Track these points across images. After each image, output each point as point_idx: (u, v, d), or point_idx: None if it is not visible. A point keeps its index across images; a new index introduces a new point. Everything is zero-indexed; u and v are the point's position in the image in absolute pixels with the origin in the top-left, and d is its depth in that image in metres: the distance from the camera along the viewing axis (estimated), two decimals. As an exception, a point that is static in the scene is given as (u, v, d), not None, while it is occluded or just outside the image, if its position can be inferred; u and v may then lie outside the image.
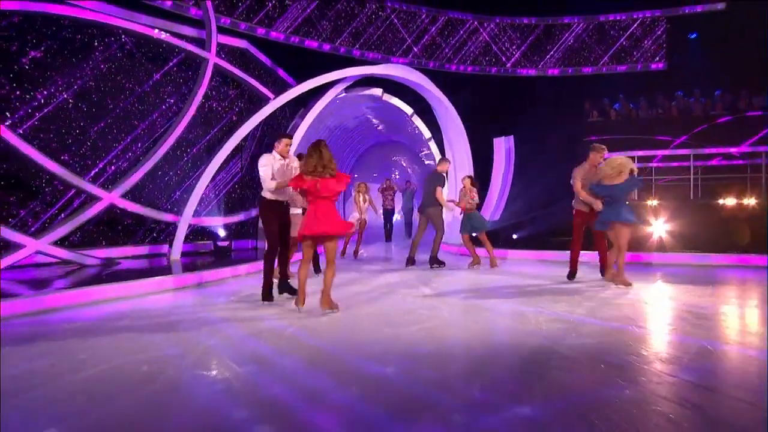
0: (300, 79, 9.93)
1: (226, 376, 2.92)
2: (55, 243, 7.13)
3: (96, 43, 8.33)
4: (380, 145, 16.67)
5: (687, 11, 13.01)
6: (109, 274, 6.61)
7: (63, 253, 7.16)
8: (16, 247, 6.70)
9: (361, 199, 9.18)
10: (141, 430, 2.27)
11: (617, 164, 5.70)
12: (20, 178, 7.50)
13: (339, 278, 5.29)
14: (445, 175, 8.01)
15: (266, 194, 5.07)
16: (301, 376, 2.96)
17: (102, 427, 2.31)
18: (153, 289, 5.77)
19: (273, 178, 5.00)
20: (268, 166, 5.02)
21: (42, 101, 7.65)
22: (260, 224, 7.34)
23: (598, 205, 5.90)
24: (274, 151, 5.15)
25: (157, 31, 8.75)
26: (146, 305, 5.08)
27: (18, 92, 7.43)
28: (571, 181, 6.25)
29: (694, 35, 14.11)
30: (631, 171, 5.69)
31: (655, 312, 4.84)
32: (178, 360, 3.22)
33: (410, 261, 7.71)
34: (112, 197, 7.84)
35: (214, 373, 2.99)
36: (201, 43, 9.20)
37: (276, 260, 5.12)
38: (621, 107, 13.96)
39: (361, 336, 3.87)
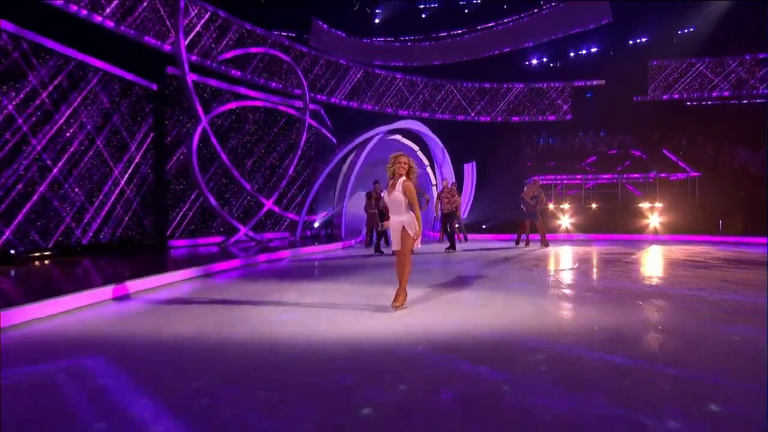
0: (341, 129, 16.15)
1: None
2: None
3: (250, 115, 14.27)
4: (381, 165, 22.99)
5: (583, 84, 20.37)
6: (303, 240, 12.68)
7: (254, 234, 13.13)
8: (233, 230, 12.64)
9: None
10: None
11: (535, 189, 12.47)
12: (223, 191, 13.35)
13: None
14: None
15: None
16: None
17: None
18: (332, 247, 11.93)
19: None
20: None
21: (234, 149, 13.53)
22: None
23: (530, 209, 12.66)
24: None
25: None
26: (335, 254, 11.27)
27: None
28: (522, 196, 12.93)
29: (590, 95, 21.55)
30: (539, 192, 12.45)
31: (559, 253, 11.61)
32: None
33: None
34: (269, 203, 13.84)
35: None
36: (298, 110, 15.28)
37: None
38: (543, 142, 21.22)
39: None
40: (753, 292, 6.11)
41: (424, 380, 3.10)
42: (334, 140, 16.36)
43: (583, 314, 4.97)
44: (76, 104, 10.04)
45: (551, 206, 16.72)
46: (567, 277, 7.70)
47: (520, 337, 4.13)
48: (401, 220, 5.18)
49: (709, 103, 19.38)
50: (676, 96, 19.55)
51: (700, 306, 5.32)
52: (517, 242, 13.06)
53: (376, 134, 15.84)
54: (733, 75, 19.06)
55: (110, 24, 10.58)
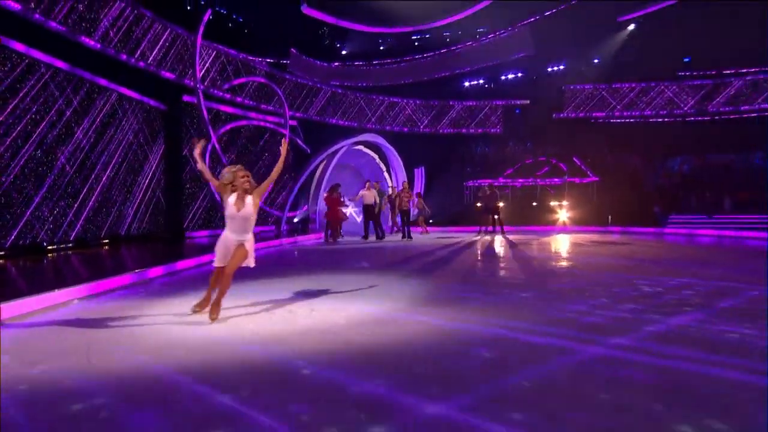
0: (313, 141, 19.62)
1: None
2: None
3: (242, 131, 17.51)
4: (353, 173, 26.52)
5: (511, 102, 24.69)
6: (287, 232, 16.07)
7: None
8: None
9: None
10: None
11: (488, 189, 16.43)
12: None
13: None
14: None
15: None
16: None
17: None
18: (307, 238, 15.40)
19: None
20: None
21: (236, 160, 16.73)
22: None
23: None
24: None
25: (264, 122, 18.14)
26: (306, 243, 14.80)
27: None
28: (479, 194, 16.78)
29: (518, 111, 25.91)
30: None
31: (512, 240, 15.59)
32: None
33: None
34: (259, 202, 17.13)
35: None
36: (280, 125, 18.63)
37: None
38: (480, 151, 25.45)
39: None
40: (590, 252, 10.19)
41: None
42: (308, 150, 19.80)
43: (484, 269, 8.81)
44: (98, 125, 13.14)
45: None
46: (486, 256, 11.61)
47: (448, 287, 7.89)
48: (245, 239, 5.02)
49: (610, 121, 24.09)
50: (583, 114, 24.17)
51: (547, 255, 9.29)
52: (479, 233, 17.01)
53: (342, 146, 19.42)
54: (626, 98, 23.84)
55: (142, 64, 13.68)
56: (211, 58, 16.07)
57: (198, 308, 5.12)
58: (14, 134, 10.20)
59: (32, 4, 10.14)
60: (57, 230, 11.42)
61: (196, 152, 5.19)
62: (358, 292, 6.52)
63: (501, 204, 17.35)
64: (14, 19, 9.96)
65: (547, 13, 22.34)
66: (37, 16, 10.35)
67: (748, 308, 5.43)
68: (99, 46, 11.97)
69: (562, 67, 24.99)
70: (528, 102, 24.69)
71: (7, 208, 10.07)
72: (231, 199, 5.00)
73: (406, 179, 21.59)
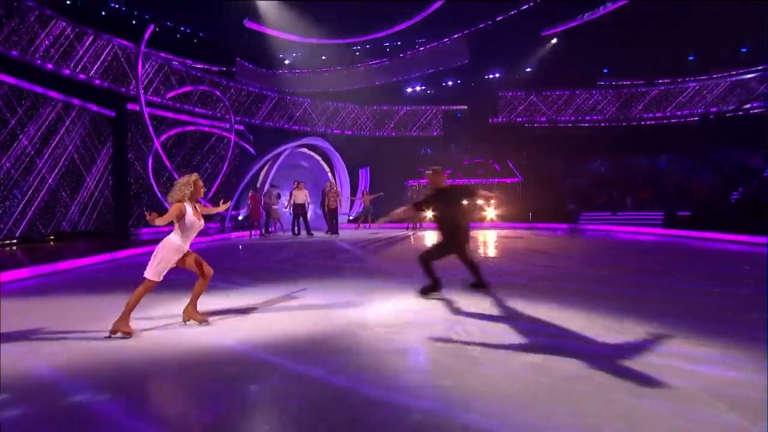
0: (260, 143, 21.09)
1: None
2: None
3: (189, 135, 18.87)
4: (306, 173, 28.02)
5: (451, 107, 26.50)
6: (229, 229, 17.50)
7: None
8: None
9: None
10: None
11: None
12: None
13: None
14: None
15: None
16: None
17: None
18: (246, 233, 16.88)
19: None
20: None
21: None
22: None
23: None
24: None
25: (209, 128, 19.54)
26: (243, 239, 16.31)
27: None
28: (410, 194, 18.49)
29: (459, 114, 27.71)
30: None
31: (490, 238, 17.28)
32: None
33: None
34: (204, 201, 18.56)
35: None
36: (225, 130, 20.04)
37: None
38: (423, 152, 27.21)
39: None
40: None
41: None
42: (254, 152, 21.26)
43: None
44: (62, 132, 14.45)
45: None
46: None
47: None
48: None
49: (536, 125, 26.04)
50: (516, 119, 26.08)
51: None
52: (408, 228, 18.69)
53: (286, 149, 20.92)
54: (555, 105, 25.82)
55: (83, 77, 14.99)
56: (154, 69, 17.42)
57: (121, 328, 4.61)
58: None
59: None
60: (3, 227, 12.73)
61: (156, 221, 4.64)
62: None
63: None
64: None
65: (481, 25, 24.09)
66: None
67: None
68: (43, 63, 13.29)
69: (497, 75, 26.81)
70: (466, 107, 26.49)
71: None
72: (190, 211, 4.90)
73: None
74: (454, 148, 27.31)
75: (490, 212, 22.53)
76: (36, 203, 13.76)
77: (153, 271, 4.69)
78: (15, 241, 13.03)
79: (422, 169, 25.81)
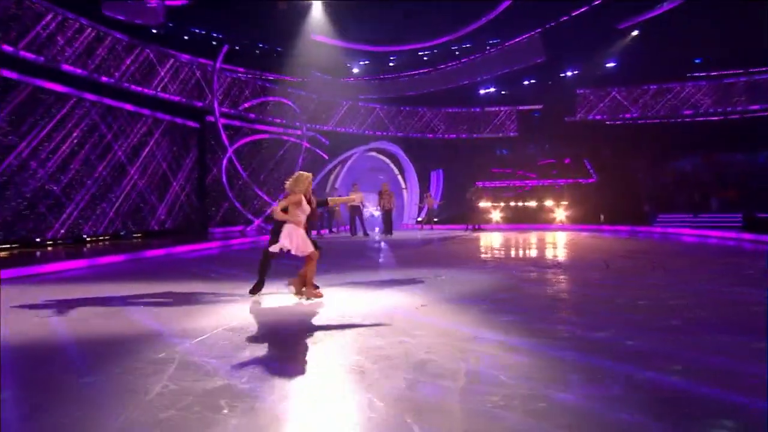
0: (332, 148, 22.23)
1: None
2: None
3: (264, 143, 20.57)
4: (374, 173, 29.08)
5: (526, 107, 25.95)
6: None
7: (264, 225, 19.41)
8: (248, 221, 18.92)
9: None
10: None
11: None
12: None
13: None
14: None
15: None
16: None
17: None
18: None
19: None
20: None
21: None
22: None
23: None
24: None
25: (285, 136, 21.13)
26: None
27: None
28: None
29: (537, 113, 27.02)
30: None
31: (507, 236, 17.43)
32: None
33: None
34: (275, 204, 20.11)
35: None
36: (297, 137, 21.48)
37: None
38: (499, 153, 26.91)
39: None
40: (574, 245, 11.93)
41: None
42: (326, 157, 22.54)
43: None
44: (151, 142, 16.60)
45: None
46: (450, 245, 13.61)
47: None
48: None
49: (621, 122, 24.60)
50: (598, 117, 24.87)
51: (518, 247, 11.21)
52: (467, 229, 18.98)
53: (354, 153, 21.97)
54: (640, 100, 24.26)
55: (165, 95, 17.07)
56: (230, 82, 19.27)
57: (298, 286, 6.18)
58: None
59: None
60: (99, 226, 14.99)
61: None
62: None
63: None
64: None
65: (553, 23, 23.39)
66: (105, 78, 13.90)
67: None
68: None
69: (575, 72, 25.76)
70: (542, 106, 25.78)
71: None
72: (304, 202, 5.98)
73: (387, 181, 23.76)
74: (527, 148, 26.69)
75: (559, 214, 21.82)
76: (127, 205, 15.99)
77: (307, 247, 5.92)
78: (107, 237, 15.27)
79: (496, 170, 25.68)
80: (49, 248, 13.17)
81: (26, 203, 13.07)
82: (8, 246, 12.45)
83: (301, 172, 6.32)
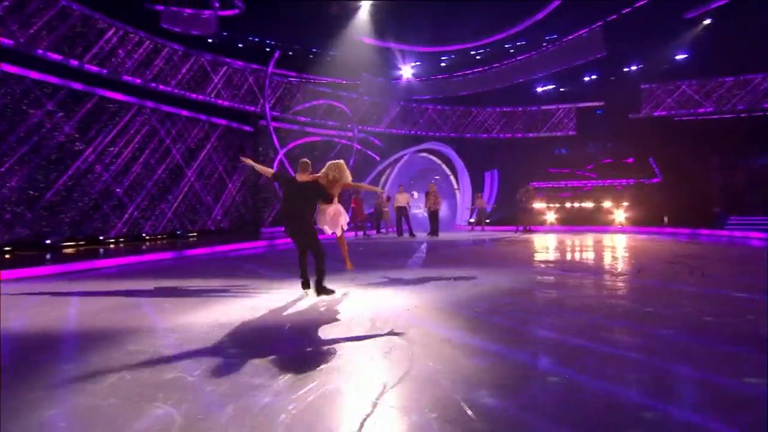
0: (384, 149, 22.36)
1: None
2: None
3: (316, 144, 21.11)
4: (423, 174, 28.99)
5: (586, 104, 24.84)
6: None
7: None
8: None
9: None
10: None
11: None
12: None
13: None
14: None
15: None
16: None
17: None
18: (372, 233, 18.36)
19: None
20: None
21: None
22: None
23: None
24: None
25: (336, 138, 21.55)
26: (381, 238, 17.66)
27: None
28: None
29: (600, 111, 25.81)
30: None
31: (561, 240, 17.02)
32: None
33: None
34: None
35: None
36: (348, 139, 21.82)
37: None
38: (557, 152, 25.95)
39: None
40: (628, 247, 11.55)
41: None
42: (378, 158, 22.75)
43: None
44: (210, 145, 17.51)
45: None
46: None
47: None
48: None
49: (692, 118, 22.96)
50: (666, 113, 23.38)
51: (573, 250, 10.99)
52: (517, 231, 18.60)
53: (404, 154, 22.01)
54: (714, 94, 22.54)
55: (220, 101, 17.93)
56: (284, 86, 19.93)
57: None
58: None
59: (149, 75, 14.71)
60: (158, 225, 16.01)
61: (250, 163, 7.09)
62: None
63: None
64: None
65: (615, 16, 22.27)
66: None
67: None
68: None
69: (639, 66, 24.35)
70: (603, 103, 24.59)
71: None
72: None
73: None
74: (586, 147, 25.54)
75: (618, 215, 20.73)
76: (184, 206, 16.96)
77: (337, 229, 7.22)
78: (165, 236, 16.28)
79: (553, 170, 24.81)
80: (111, 245, 14.27)
81: (92, 204, 14.24)
82: (74, 243, 13.63)
83: (336, 161, 6.96)
